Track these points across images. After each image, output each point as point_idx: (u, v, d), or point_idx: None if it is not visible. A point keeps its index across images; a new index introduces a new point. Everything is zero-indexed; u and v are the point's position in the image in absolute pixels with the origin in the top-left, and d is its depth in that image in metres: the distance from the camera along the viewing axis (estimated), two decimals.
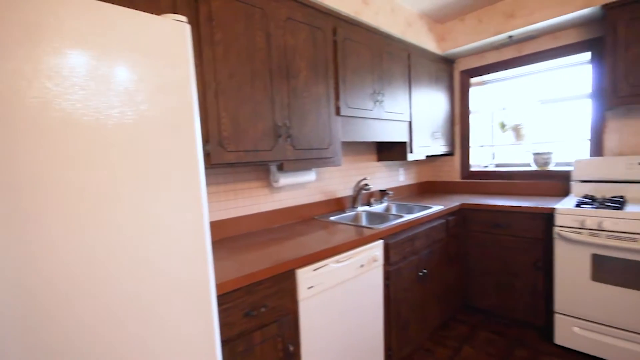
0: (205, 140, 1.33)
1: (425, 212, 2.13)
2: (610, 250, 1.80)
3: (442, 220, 2.26)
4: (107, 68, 0.76)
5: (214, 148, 1.36)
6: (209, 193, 1.69)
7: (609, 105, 2.05)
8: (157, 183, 0.83)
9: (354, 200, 2.36)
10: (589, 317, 1.91)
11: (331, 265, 1.47)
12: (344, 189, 2.43)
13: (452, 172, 3.16)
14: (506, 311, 2.34)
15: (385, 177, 2.82)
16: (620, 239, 1.77)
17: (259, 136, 1.51)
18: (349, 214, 2.26)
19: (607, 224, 1.80)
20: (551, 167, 2.63)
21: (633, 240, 1.73)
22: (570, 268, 1.95)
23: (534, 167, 2.71)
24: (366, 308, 1.67)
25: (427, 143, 2.68)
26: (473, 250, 2.46)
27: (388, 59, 2.25)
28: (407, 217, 2.00)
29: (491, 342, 2.17)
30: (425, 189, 3.32)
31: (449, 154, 3.08)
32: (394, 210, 2.55)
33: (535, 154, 2.69)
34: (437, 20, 2.69)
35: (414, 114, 2.51)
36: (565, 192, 2.49)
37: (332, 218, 2.10)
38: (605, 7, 2.01)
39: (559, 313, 2.03)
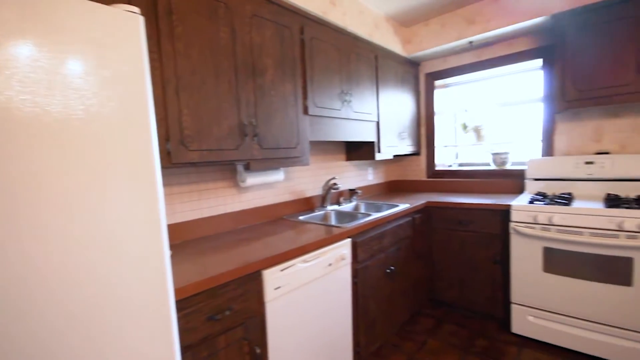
0: (166, 139, 1.28)
1: (392, 211, 2.18)
2: (559, 243, 1.94)
3: (409, 218, 2.33)
4: (50, 60, 0.70)
5: (175, 146, 1.30)
6: (171, 194, 1.62)
7: (558, 108, 2.21)
8: (107, 184, 0.78)
9: (323, 200, 2.37)
10: (541, 307, 2.05)
11: (299, 265, 1.46)
12: (313, 189, 2.43)
13: (418, 171, 3.26)
14: (469, 303, 2.45)
15: (354, 176, 2.85)
16: (568, 232, 1.91)
17: (223, 135, 1.47)
18: (318, 213, 2.26)
19: (557, 219, 1.94)
20: (508, 166, 2.79)
21: (579, 233, 1.87)
22: (524, 261, 2.08)
23: (493, 167, 2.86)
24: (334, 306, 1.67)
25: (395, 143, 2.75)
26: (438, 247, 2.56)
27: (356, 59, 2.28)
28: (375, 215, 2.04)
29: (454, 334, 2.26)
30: (393, 188, 3.40)
31: (415, 153, 3.18)
32: (362, 209, 2.59)
33: (494, 154, 2.85)
34: (402, 23, 2.76)
35: (382, 115, 2.56)
36: (520, 190, 2.66)
37: (300, 218, 2.09)
38: (555, 17, 2.17)
39: (515, 303, 2.15)
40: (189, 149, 1.34)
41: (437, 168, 3.16)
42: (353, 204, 2.57)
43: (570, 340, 1.96)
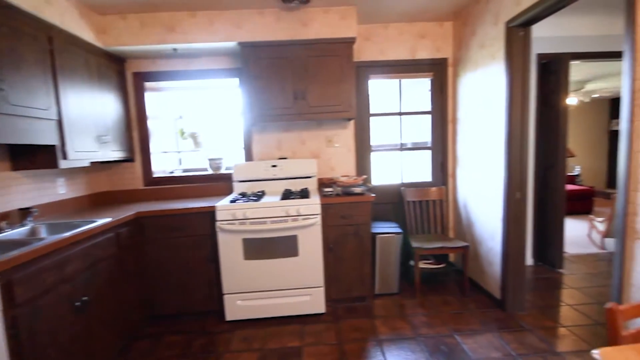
0: None
1: (82, 229, 1.80)
2: (253, 233, 2.33)
3: (111, 234, 2.03)
4: None
5: None
6: None
7: (250, 122, 2.66)
8: None
9: None
10: (245, 290, 2.38)
11: None
12: None
13: (134, 180, 2.95)
14: (190, 307, 2.47)
15: (32, 190, 2.15)
16: (257, 223, 2.32)
17: None
18: None
19: (250, 214, 2.32)
20: (223, 171, 3.08)
21: (265, 223, 2.33)
22: (230, 254, 2.34)
23: (210, 171, 3.06)
24: None
25: (92, 148, 2.31)
26: (153, 259, 2.40)
27: (10, 35, 1.69)
28: (48, 239, 1.60)
29: (174, 344, 2.20)
30: (102, 201, 2.88)
31: (128, 160, 2.85)
32: (43, 233, 1.98)
33: (210, 160, 3.05)
34: (93, 9, 2.37)
35: (67, 112, 2.07)
36: (230, 191, 3.00)
37: None
38: (241, 44, 2.58)
39: (227, 293, 2.39)
40: None
41: (155, 175, 2.99)
42: (27, 228, 1.92)
43: (268, 309, 2.41)
